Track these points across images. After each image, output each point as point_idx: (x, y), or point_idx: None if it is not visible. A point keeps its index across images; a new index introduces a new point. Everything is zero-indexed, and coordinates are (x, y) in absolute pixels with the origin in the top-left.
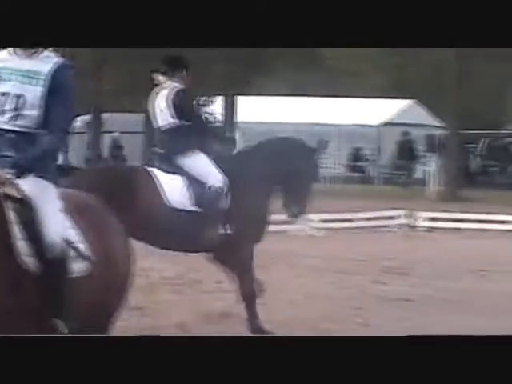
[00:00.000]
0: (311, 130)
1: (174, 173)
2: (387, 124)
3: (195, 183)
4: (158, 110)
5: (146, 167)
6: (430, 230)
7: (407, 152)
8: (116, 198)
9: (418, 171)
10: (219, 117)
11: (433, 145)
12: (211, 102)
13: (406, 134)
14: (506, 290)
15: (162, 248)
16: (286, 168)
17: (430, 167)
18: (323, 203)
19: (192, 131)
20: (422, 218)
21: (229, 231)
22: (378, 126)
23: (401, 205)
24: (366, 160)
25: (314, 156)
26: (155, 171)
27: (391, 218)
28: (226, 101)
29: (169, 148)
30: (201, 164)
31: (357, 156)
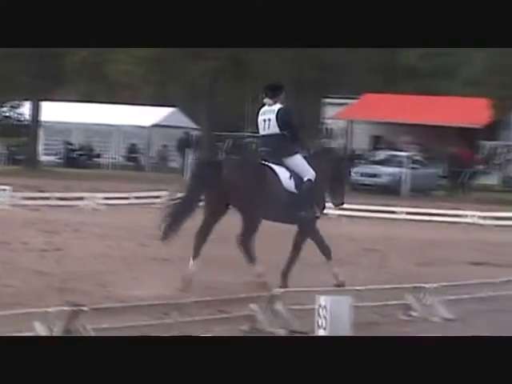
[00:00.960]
0: (97, 129)
1: (281, 166)
2: (155, 126)
3: (296, 176)
4: (267, 123)
5: (264, 162)
6: None
7: (178, 148)
8: (255, 183)
9: (179, 162)
10: (27, 117)
11: (189, 143)
12: (20, 105)
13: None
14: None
15: (275, 221)
16: (338, 169)
17: (188, 159)
18: (105, 184)
19: (292, 138)
20: None
21: (318, 213)
22: (148, 127)
23: (163, 187)
24: (139, 153)
25: (349, 165)
26: (272, 165)
27: (157, 197)
28: (32, 105)
29: (275, 149)
30: (299, 162)
31: (132, 150)
